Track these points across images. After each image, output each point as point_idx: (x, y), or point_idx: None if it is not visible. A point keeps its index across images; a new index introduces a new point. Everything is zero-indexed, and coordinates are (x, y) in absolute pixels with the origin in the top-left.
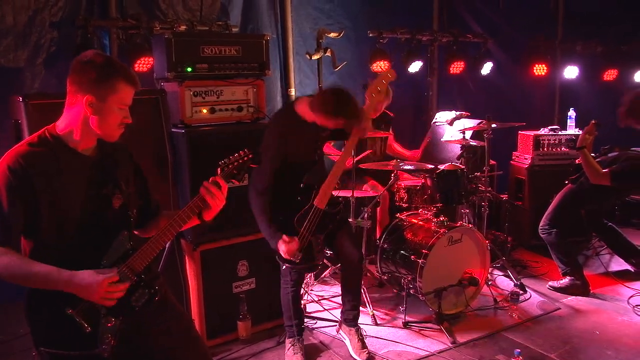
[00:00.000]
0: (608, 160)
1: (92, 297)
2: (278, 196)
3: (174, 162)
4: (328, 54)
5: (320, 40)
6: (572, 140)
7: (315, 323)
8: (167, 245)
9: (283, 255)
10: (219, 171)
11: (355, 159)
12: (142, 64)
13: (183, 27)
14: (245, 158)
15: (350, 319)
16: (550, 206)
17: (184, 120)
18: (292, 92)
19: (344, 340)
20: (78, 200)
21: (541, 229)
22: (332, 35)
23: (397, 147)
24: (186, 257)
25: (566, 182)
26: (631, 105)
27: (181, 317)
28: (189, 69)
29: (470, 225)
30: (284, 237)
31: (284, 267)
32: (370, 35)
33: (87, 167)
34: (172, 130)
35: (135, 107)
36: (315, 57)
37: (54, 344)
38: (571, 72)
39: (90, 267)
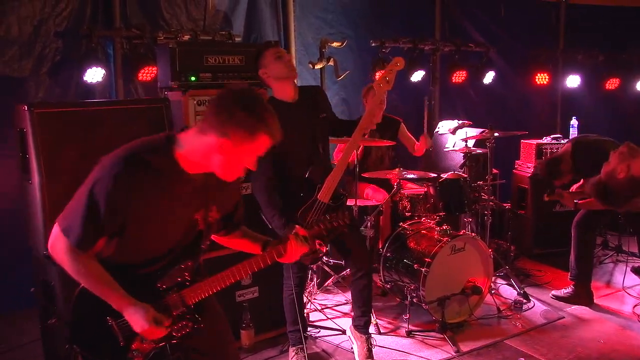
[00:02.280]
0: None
1: (135, 329)
2: (280, 190)
3: None
4: (331, 63)
5: (323, 50)
6: None
7: (319, 332)
8: None
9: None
10: (311, 232)
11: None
12: (146, 74)
13: (186, 37)
14: (342, 222)
15: (361, 325)
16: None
17: None
18: None
19: (352, 343)
20: (168, 220)
21: (574, 223)
22: (335, 44)
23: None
24: None
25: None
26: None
27: (219, 318)
28: (193, 78)
29: (473, 234)
30: (297, 227)
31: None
32: (373, 44)
33: (189, 188)
34: None
35: (139, 116)
36: (318, 66)
37: (86, 345)
38: (573, 81)
39: (145, 283)
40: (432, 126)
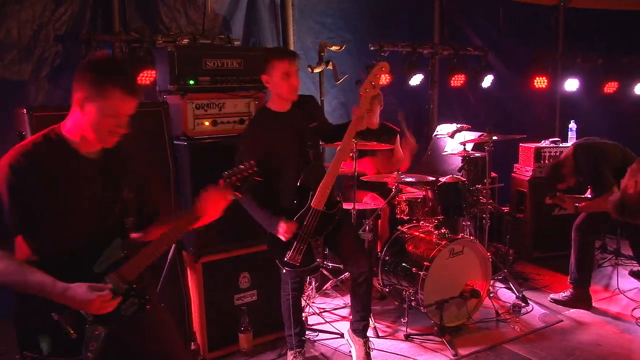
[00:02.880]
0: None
1: (81, 307)
2: (274, 199)
3: (176, 174)
4: (330, 67)
5: (322, 54)
6: None
7: (317, 335)
8: (169, 256)
9: (282, 236)
10: (221, 182)
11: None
12: (145, 77)
13: (185, 41)
14: (250, 171)
15: (359, 329)
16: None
17: (186, 133)
18: None
19: (350, 346)
20: (77, 204)
21: (575, 226)
22: (334, 48)
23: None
24: (188, 269)
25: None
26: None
27: (168, 324)
28: (192, 82)
29: (471, 237)
30: (283, 218)
31: (284, 271)
32: (372, 48)
33: (89, 170)
34: (175, 142)
35: (138, 119)
36: (317, 70)
37: (39, 348)
38: (572, 84)
39: (81, 271)
40: (431, 130)
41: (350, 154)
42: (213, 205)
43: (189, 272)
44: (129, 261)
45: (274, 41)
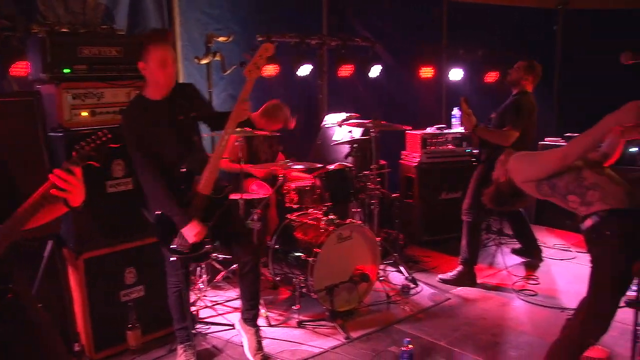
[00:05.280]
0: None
1: None
2: None
3: (51, 169)
4: (217, 58)
5: (209, 45)
6: (457, 139)
7: (209, 328)
8: (45, 254)
9: (190, 239)
10: (74, 155)
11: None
12: (20, 68)
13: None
14: (104, 138)
15: (249, 318)
16: (469, 189)
17: (62, 124)
18: None
19: (241, 336)
20: None
21: (464, 211)
22: (221, 39)
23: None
24: (68, 266)
25: (474, 162)
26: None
27: (41, 326)
28: (67, 70)
29: (359, 222)
30: (197, 220)
31: (173, 259)
32: (259, 39)
33: None
34: (49, 134)
35: (8, 111)
36: (204, 61)
37: None
38: (456, 74)
39: None
40: (320, 119)
41: (237, 142)
42: (71, 180)
43: (70, 270)
44: None
45: None
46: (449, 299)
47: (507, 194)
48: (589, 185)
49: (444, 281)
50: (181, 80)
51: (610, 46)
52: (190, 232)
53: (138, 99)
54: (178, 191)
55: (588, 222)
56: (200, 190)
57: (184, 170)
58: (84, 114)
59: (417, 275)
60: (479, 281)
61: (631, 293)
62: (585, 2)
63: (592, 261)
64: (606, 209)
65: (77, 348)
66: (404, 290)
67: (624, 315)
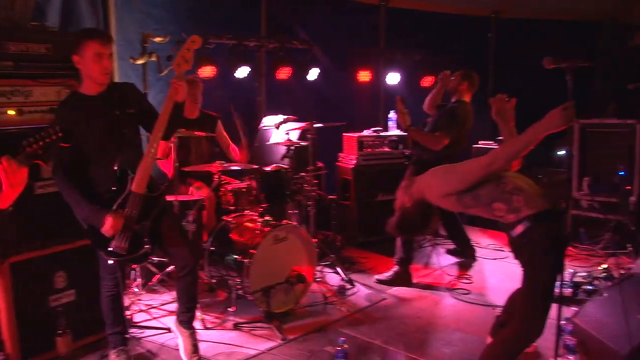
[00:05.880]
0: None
1: None
2: (90, 187)
3: None
4: (153, 58)
5: (145, 45)
6: (393, 141)
7: (143, 332)
8: None
9: (107, 232)
10: (22, 151)
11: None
12: None
13: None
14: (54, 136)
15: (185, 320)
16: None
17: None
18: None
19: (177, 338)
20: None
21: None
22: (158, 39)
23: (229, 142)
24: None
25: (406, 163)
26: None
27: None
28: None
29: (295, 223)
30: (110, 212)
31: (110, 262)
32: None
33: None
34: None
35: None
36: (139, 61)
37: None
38: (393, 78)
39: None
40: (258, 121)
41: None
42: (9, 178)
43: None
44: None
45: None
46: (385, 299)
47: (414, 219)
48: (511, 190)
49: (380, 281)
50: (116, 80)
51: (538, 53)
52: (106, 227)
53: (72, 95)
54: (110, 192)
55: (519, 229)
56: (134, 189)
57: (117, 168)
58: (11, 112)
59: (353, 276)
60: (414, 281)
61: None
62: (516, 12)
63: (523, 266)
64: (533, 212)
65: (1, 357)
66: (341, 291)
67: (551, 311)
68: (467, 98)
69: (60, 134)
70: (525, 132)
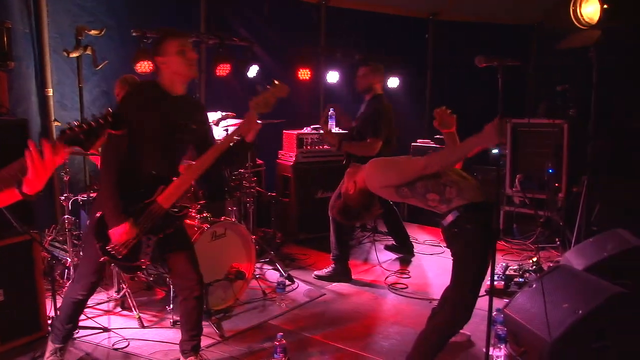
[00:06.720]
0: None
1: None
2: (122, 180)
3: None
4: (88, 52)
5: (80, 38)
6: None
7: (77, 332)
8: None
9: (114, 237)
10: (66, 133)
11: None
12: None
13: None
14: (101, 120)
15: (188, 350)
16: (338, 187)
17: None
18: (50, 92)
19: None
20: None
21: (330, 208)
22: (93, 32)
23: None
24: None
25: (344, 162)
26: None
27: None
28: None
29: (233, 219)
30: (131, 220)
31: (101, 260)
32: (134, 34)
33: None
34: None
35: None
36: (73, 54)
37: None
38: (333, 76)
39: None
40: None
41: None
42: (35, 164)
43: None
44: None
45: (25, 22)
46: (324, 294)
47: (356, 206)
48: (446, 182)
49: (319, 277)
50: (48, 73)
51: (472, 53)
52: (118, 231)
53: (153, 82)
54: (136, 193)
55: (449, 218)
56: (160, 201)
57: (154, 173)
58: None
59: (293, 273)
60: (353, 277)
61: (487, 282)
62: (452, 15)
63: (453, 255)
64: (464, 203)
65: None
66: (280, 287)
67: (484, 303)
68: (379, 91)
69: (110, 119)
70: (463, 143)
